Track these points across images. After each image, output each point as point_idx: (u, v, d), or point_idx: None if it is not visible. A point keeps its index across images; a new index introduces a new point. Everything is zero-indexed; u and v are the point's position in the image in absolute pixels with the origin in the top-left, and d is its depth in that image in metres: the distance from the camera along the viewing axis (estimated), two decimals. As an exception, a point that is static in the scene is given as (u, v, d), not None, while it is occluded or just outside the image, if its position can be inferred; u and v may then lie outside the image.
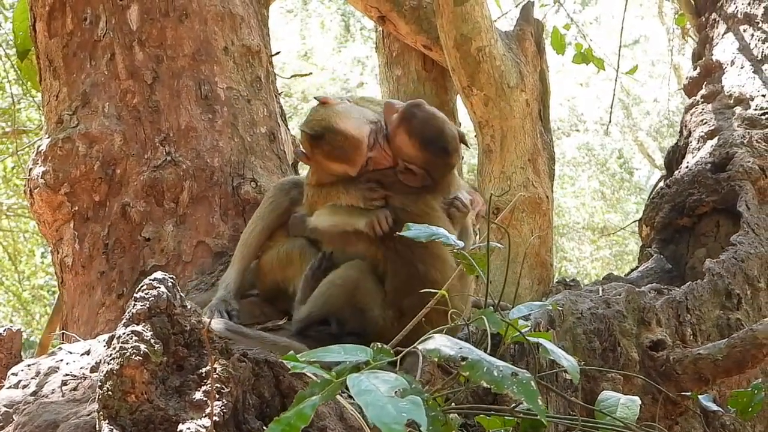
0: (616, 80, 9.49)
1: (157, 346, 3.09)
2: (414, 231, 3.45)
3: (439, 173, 4.44)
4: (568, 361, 3.10)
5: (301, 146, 4.57)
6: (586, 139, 26.82)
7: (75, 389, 3.71)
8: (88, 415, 3.36)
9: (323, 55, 25.91)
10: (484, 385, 2.69)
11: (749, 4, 8.21)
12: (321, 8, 25.65)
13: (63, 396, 3.67)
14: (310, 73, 13.53)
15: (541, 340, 3.16)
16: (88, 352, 4.02)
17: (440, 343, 2.83)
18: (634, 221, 10.12)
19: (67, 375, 3.82)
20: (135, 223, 5.50)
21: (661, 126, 26.83)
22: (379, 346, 2.84)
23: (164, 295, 3.21)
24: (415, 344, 2.90)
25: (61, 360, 4.00)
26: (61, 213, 5.63)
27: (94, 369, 3.80)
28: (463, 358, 2.75)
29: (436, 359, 2.79)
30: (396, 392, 2.52)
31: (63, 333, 5.43)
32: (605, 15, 25.38)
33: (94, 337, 4.50)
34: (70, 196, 5.60)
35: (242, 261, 4.78)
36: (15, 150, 14.02)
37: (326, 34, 26.11)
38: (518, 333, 3.12)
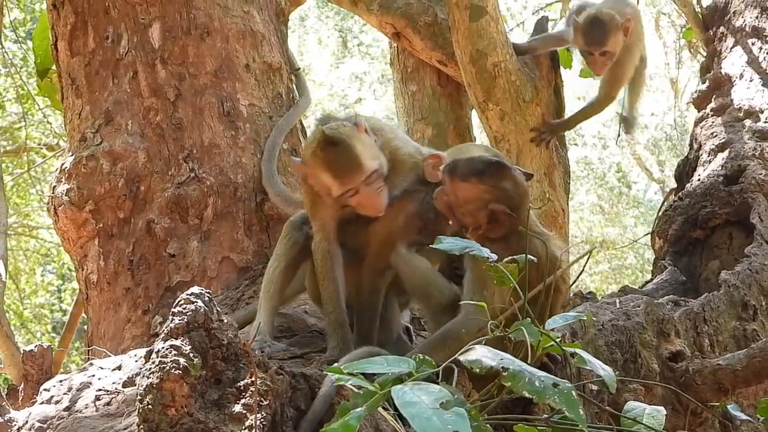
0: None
1: (195, 359, 3.12)
2: (447, 244, 3.49)
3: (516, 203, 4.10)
4: (605, 370, 3.14)
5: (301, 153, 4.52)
6: (584, 152, 26.78)
7: (109, 404, 3.75)
8: (125, 429, 3.42)
9: (321, 71, 25.91)
10: (526, 395, 2.74)
11: (757, 17, 8.25)
12: (318, 24, 25.62)
13: (97, 411, 3.71)
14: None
15: (578, 350, 3.21)
16: (119, 368, 4.06)
17: (481, 354, 2.87)
18: (646, 234, 10.14)
19: (100, 390, 3.87)
20: (160, 240, 5.54)
21: (659, 140, 26.83)
22: (421, 357, 2.89)
23: (202, 310, 3.23)
24: (455, 355, 2.94)
25: (93, 375, 4.04)
26: (86, 230, 5.68)
27: (127, 384, 3.85)
28: (505, 369, 2.79)
29: (477, 370, 2.83)
30: (440, 404, 2.56)
31: (91, 349, 5.45)
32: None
33: (121, 353, 4.54)
34: (94, 213, 5.65)
35: (270, 302, 4.67)
36: (27, 167, 14.05)
37: (324, 50, 26.12)
38: (554, 343, 3.16)
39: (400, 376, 2.78)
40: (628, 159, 27.38)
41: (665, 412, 3.83)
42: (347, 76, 26.12)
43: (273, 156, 5.73)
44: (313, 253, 4.47)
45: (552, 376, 2.81)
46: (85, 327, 6.14)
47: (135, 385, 3.73)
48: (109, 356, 4.42)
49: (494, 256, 3.39)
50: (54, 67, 6.49)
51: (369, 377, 2.83)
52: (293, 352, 4.42)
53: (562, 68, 8.17)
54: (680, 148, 24.74)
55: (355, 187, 4.22)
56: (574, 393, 2.76)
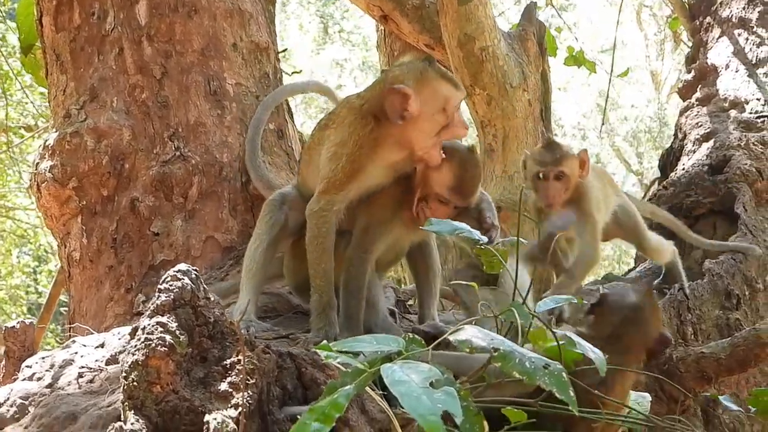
0: (609, 82, 9.49)
1: (182, 337, 3.10)
2: (437, 226, 3.46)
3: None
4: (594, 353, 3.13)
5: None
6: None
7: (92, 381, 3.72)
8: (108, 406, 3.38)
9: (302, 56, 25.87)
10: (516, 376, 2.72)
11: (744, 8, 8.26)
12: (300, 9, 25.61)
13: (80, 388, 3.68)
14: (301, 71, 13.55)
15: (568, 333, 3.19)
16: (102, 345, 4.03)
17: (471, 334, 2.85)
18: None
19: (83, 367, 3.84)
20: (144, 218, 5.51)
21: (639, 132, 26.90)
22: (411, 336, 2.87)
23: (188, 287, 3.22)
24: (445, 335, 2.93)
25: (76, 352, 4.01)
26: (69, 207, 5.63)
27: (110, 361, 3.82)
28: (495, 349, 2.78)
29: (468, 350, 2.81)
30: (430, 383, 2.54)
31: (72, 326, 5.42)
32: (583, 20, 25.47)
33: (103, 331, 4.51)
34: (78, 190, 5.61)
35: (254, 281, 4.62)
36: (6, 147, 13.94)
37: (305, 35, 26.09)
38: (545, 326, 3.15)
39: (389, 354, 2.75)
40: (607, 150, 27.45)
41: (650, 399, 3.83)
42: (328, 62, 26.10)
43: (257, 134, 5.69)
44: (314, 228, 4.37)
45: (543, 358, 2.79)
46: (62, 309, 6.10)
47: (118, 363, 3.72)
48: (92, 334, 4.38)
49: (484, 239, 3.41)
50: (38, 43, 6.43)
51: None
52: (278, 332, 4.38)
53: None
54: (660, 140, 24.83)
55: (457, 107, 4.31)
56: (564, 374, 2.75)
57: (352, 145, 4.30)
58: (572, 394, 2.75)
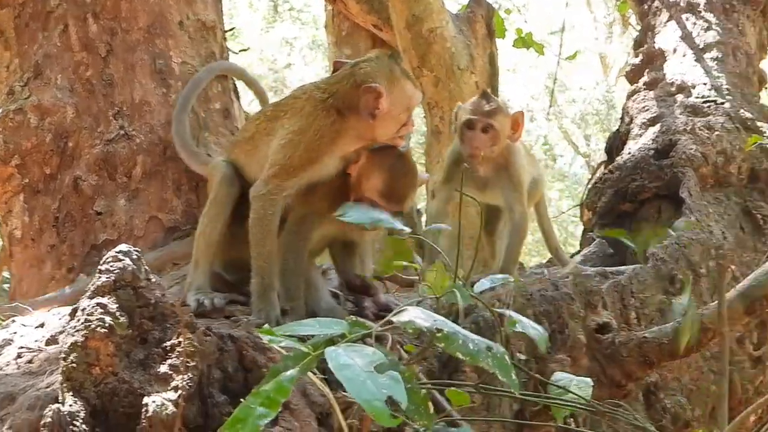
0: (557, 64, 9.53)
1: (122, 318, 3.09)
2: (355, 215, 3.47)
3: None
4: (535, 330, 3.14)
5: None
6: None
7: (30, 362, 3.68)
8: (47, 387, 3.35)
9: (251, 34, 25.73)
10: (460, 356, 2.73)
11: (692, -8, 8.31)
12: (250, -14, 25.51)
13: (18, 368, 3.64)
14: (248, 48, 13.49)
15: (509, 312, 3.21)
16: (42, 325, 4.00)
17: (414, 315, 2.85)
18: (574, 207, 10.18)
19: (21, 348, 3.80)
20: (87, 197, 5.47)
21: (586, 114, 27.02)
22: (354, 319, 2.87)
23: (129, 268, 3.20)
24: (389, 316, 2.93)
25: (15, 332, 3.98)
26: (11, 185, 5.59)
27: (50, 342, 3.79)
28: (439, 330, 2.78)
29: (410, 331, 2.82)
30: (374, 366, 2.54)
31: (13, 305, 5.36)
32: (532, 2, 25.49)
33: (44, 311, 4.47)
34: (20, 168, 5.57)
35: (207, 257, 4.62)
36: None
37: (254, 13, 25.94)
38: (486, 306, 3.16)
39: (333, 338, 2.75)
40: (555, 132, 27.57)
41: (592, 383, 3.85)
42: (277, 40, 25.99)
43: (185, 108, 5.61)
44: (260, 210, 4.37)
45: (486, 340, 2.80)
46: (5, 286, 6.04)
47: (58, 344, 3.69)
48: (32, 313, 4.35)
49: (407, 229, 3.44)
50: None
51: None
52: (238, 298, 4.49)
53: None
54: (607, 122, 24.96)
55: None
56: (507, 357, 2.76)
57: (312, 134, 4.35)
58: (515, 376, 2.76)
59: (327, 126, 4.34)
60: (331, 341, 2.72)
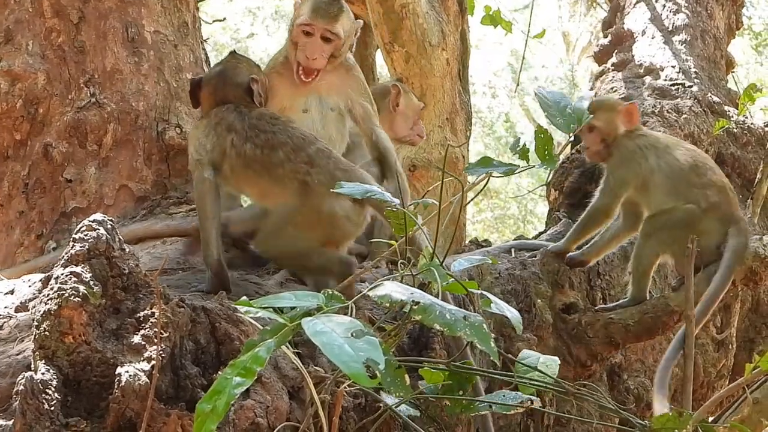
0: (526, 43, 9.52)
1: (96, 288, 3.09)
2: (348, 188, 3.48)
3: None
4: (510, 311, 3.17)
5: None
6: (474, 100, 26.87)
7: (0, 328, 3.67)
8: (18, 354, 3.35)
9: (214, 3, 25.55)
10: (437, 327, 2.75)
11: (662, -26, 8.33)
12: (215, -44, 25.28)
13: (-12, 335, 3.63)
14: (224, 19, 13.41)
15: (483, 292, 3.23)
16: (12, 292, 3.97)
17: (391, 288, 2.87)
18: (541, 186, 10.20)
19: (-9, 314, 3.79)
20: (57, 164, 5.45)
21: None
22: (330, 292, 2.89)
23: (103, 237, 3.20)
24: (366, 290, 2.95)
25: (-16, 299, 3.96)
26: (-20, 150, 5.56)
27: (20, 309, 3.76)
28: (416, 302, 2.80)
29: (387, 304, 2.84)
30: (351, 333, 2.56)
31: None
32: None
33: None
34: (-10, 133, 5.54)
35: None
36: None
37: (218, -18, 25.77)
38: (462, 285, 3.18)
39: (309, 310, 2.77)
40: (516, 109, 27.57)
41: (558, 362, 3.88)
42: (240, 10, 25.82)
43: None
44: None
45: (463, 310, 2.83)
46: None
47: (28, 311, 3.67)
48: (2, 280, 4.33)
49: (396, 201, 3.45)
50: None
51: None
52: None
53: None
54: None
55: (316, 29, 4.79)
56: (485, 326, 2.79)
57: None
58: (493, 345, 2.79)
59: None
60: (308, 314, 2.73)
